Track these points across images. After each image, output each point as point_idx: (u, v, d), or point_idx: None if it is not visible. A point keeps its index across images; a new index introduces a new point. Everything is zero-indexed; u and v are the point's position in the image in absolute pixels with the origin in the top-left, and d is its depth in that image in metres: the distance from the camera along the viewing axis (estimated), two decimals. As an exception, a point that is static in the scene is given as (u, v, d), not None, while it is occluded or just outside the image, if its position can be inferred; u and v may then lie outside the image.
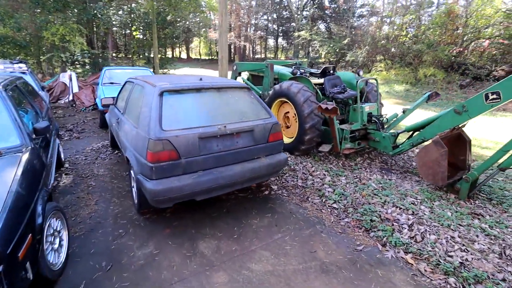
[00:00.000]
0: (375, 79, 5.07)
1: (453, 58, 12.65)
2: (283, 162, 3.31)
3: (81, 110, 8.99)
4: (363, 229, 2.85)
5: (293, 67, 6.86)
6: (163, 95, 2.81)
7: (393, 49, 15.80)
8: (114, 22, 14.22)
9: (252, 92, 3.46)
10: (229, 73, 7.81)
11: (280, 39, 33.95)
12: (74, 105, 9.57)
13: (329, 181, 3.87)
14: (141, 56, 15.53)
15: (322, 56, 22.53)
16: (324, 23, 27.29)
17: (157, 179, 2.58)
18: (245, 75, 7.45)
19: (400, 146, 4.27)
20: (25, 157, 2.20)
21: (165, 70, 14.34)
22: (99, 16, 11.47)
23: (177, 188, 2.58)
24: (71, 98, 9.82)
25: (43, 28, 10.32)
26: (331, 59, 21.30)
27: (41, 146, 2.67)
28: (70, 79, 9.90)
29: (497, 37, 12.92)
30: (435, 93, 5.05)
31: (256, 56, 36.99)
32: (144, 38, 14.70)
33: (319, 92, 4.94)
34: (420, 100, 5.00)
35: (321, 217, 3.07)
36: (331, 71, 5.46)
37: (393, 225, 2.87)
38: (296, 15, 27.55)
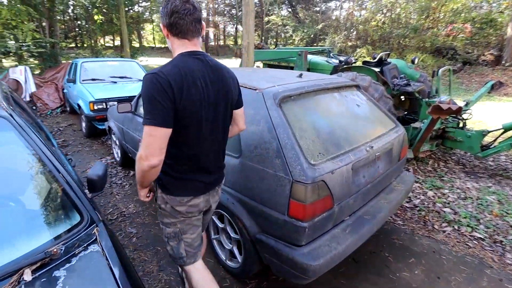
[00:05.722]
0: (449, 69, 4.42)
1: (438, 43, 12.75)
2: (412, 185, 2.50)
3: (47, 114, 7.21)
4: (547, 269, 2.18)
5: (326, 54, 6.03)
6: (282, 104, 1.79)
7: (373, 34, 15.61)
8: (71, 3, 11.81)
9: (362, 90, 2.55)
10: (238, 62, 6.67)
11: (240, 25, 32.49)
12: (34, 107, 7.67)
13: (433, 196, 3.17)
14: (104, 45, 13.32)
15: (296, 42, 21.93)
16: (291, 8, 26.55)
17: (308, 244, 1.60)
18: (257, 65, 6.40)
19: (492, 146, 3.69)
20: (111, 252, 1.09)
21: (139, 62, 12.42)
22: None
23: (339, 255, 1.63)
24: (28, 99, 7.87)
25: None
26: (300, 45, 20.74)
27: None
28: (25, 77, 7.91)
29: (460, 22, 13.27)
30: (499, 82, 4.58)
31: (221, 43, 35.17)
32: (106, 22, 12.54)
33: (388, 84, 4.16)
34: (483, 90, 4.50)
35: (477, 255, 2.34)
36: (387, 59, 4.70)
37: None
38: (263, -1, 26.32)
